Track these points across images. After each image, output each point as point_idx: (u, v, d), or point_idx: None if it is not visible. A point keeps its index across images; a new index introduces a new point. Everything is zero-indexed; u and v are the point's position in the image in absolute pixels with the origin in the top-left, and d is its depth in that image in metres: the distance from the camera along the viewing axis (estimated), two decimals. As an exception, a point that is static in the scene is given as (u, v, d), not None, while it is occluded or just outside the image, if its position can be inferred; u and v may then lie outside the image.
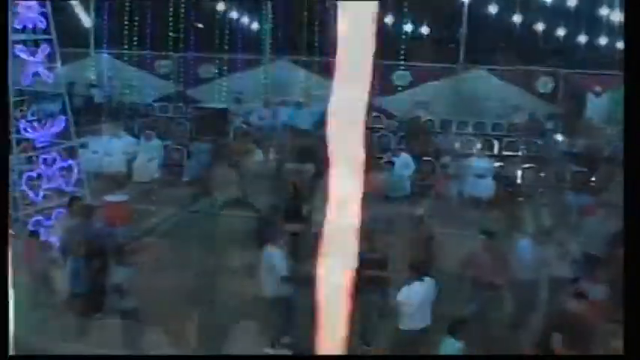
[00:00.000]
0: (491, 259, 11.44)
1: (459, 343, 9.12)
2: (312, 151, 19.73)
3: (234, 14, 26.08)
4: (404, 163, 19.59)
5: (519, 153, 22.50)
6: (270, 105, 25.41)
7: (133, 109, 26.63)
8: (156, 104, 26.96)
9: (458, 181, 19.51)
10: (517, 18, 24.49)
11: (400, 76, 26.29)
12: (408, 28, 25.78)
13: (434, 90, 26.14)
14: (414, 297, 9.76)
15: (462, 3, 25.04)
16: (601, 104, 25.40)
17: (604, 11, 24.05)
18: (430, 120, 25.06)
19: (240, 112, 25.25)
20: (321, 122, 19.94)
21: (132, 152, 20.95)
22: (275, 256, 10.89)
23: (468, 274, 11.63)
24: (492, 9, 24.43)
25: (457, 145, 22.36)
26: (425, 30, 25.93)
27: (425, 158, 20.89)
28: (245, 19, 26.25)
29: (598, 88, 25.35)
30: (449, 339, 9.17)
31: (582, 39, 25.11)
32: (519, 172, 20.54)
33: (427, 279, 10.07)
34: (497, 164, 20.77)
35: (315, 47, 26.26)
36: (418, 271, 9.98)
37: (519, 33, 25.22)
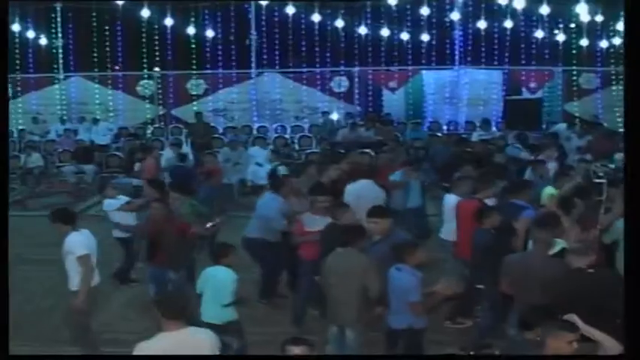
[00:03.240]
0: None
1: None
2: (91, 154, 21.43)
3: (24, 32, 25.68)
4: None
5: (314, 149, 22.78)
6: (66, 122, 25.20)
7: None
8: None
9: (239, 170, 19.59)
10: (308, 17, 24.99)
11: (194, 85, 26.26)
12: (199, 35, 25.85)
13: (230, 96, 26.23)
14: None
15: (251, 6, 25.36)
16: (397, 99, 26.14)
17: (400, 6, 24.70)
18: (231, 127, 25.06)
19: (37, 132, 24.89)
20: (118, 135, 19.84)
21: None
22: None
23: None
24: (284, 9, 24.80)
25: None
26: (214, 35, 26.03)
27: (207, 151, 20.96)
28: (35, 36, 25.91)
29: (393, 84, 26.06)
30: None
31: (373, 35, 25.79)
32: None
33: None
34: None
35: (109, 62, 26.31)
36: None
37: (314, 34, 25.68)
